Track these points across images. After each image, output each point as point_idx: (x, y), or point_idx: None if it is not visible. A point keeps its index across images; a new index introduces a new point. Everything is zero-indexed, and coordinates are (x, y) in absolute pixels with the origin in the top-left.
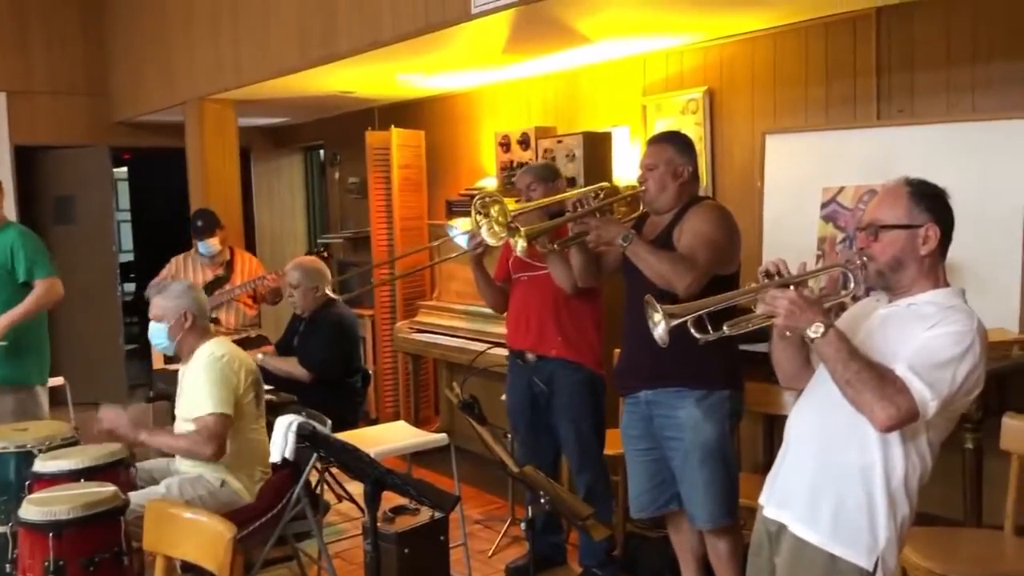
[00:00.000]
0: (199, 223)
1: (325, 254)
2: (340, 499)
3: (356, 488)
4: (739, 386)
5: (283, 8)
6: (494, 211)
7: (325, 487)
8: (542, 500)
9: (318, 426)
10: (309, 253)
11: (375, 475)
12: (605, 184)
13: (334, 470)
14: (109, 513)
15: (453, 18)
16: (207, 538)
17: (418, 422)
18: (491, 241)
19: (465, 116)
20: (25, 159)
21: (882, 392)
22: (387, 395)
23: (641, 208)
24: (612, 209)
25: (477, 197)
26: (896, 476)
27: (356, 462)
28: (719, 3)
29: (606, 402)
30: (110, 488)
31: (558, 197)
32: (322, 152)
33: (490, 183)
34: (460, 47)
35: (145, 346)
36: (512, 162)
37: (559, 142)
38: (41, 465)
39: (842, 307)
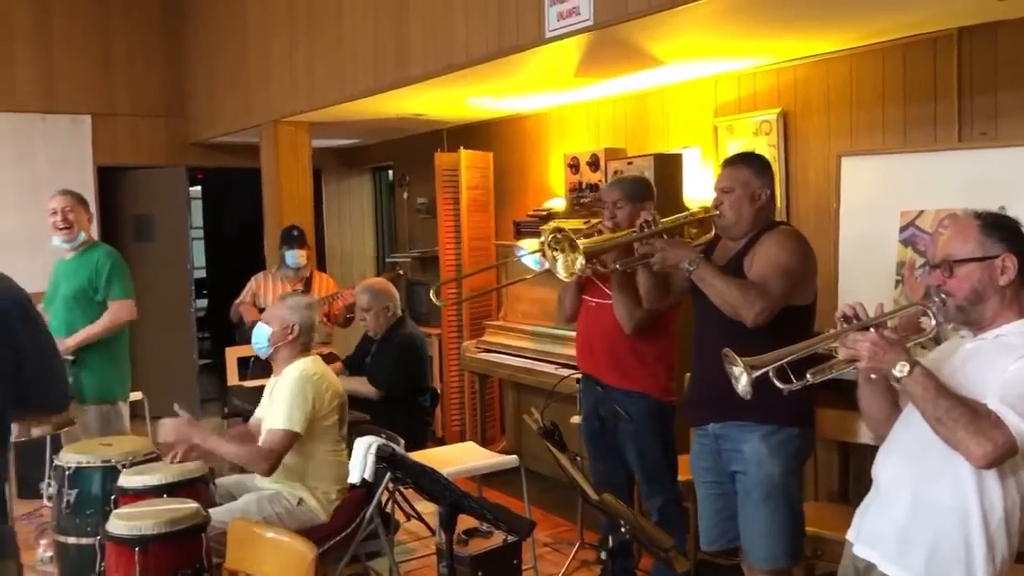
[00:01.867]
0: (294, 232)
1: (400, 272)
2: (409, 518)
3: (425, 507)
4: (809, 423)
5: (358, 32)
6: (566, 247)
7: (394, 506)
8: (622, 529)
9: (397, 448)
10: (383, 272)
11: (452, 498)
12: (694, 211)
13: (403, 488)
14: (192, 529)
15: (527, 42)
16: (289, 558)
17: (484, 441)
18: (564, 276)
19: (533, 137)
20: (106, 179)
21: (976, 428)
22: (453, 414)
23: (713, 231)
24: (681, 231)
25: (548, 234)
26: (995, 516)
27: (433, 485)
28: (793, 28)
29: (676, 427)
30: (193, 505)
31: (630, 238)
32: (391, 172)
33: (558, 204)
34: (532, 70)
35: (217, 361)
36: (581, 183)
37: (629, 163)
38: (126, 480)
39: (926, 345)
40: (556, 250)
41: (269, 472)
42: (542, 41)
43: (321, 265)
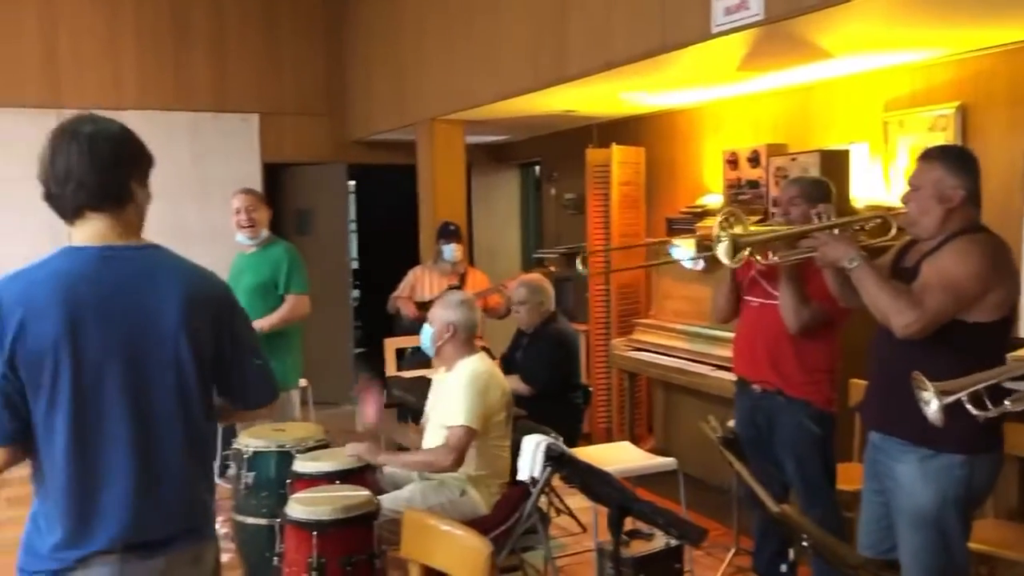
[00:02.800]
0: (451, 227)
1: (552, 269)
2: (559, 513)
3: (575, 503)
4: (986, 450)
5: (515, 31)
6: (738, 229)
7: (549, 502)
8: (804, 543)
9: (566, 448)
10: (533, 268)
11: (621, 500)
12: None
13: (555, 484)
14: (364, 517)
15: (691, 38)
16: (464, 552)
17: (632, 440)
18: (725, 260)
19: (687, 132)
20: (271, 175)
21: None
22: (600, 411)
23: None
24: (860, 228)
25: (724, 211)
26: None
27: (602, 486)
28: (976, 16)
29: (837, 438)
30: (365, 493)
31: (802, 228)
32: (538, 168)
33: (714, 200)
34: (692, 65)
35: (370, 350)
36: (740, 180)
37: (793, 160)
38: (301, 466)
39: None
40: (724, 230)
41: (455, 467)
42: (707, 36)
43: (469, 260)
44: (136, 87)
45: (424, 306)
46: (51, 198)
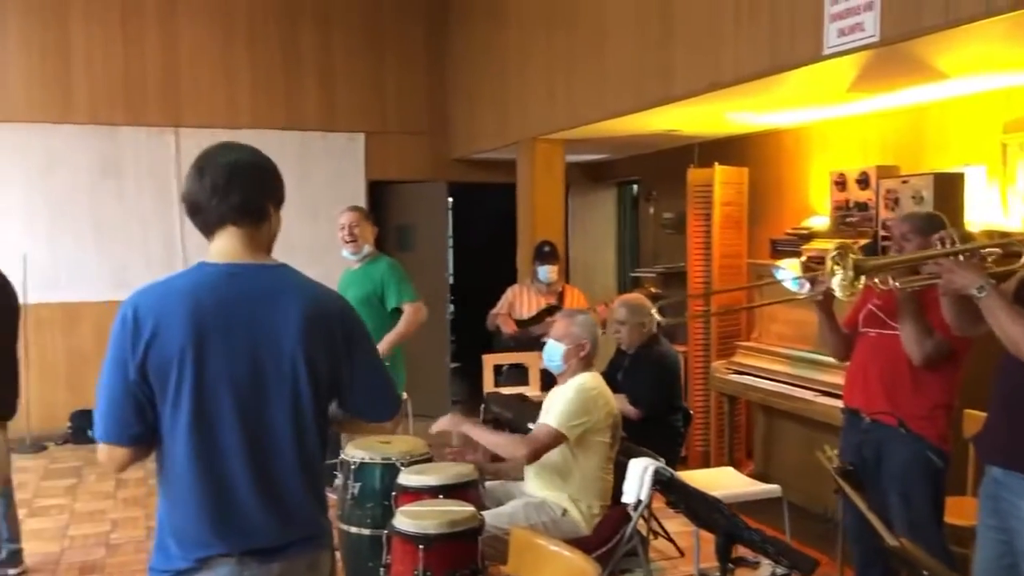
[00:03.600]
0: (546, 248)
1: (652, 289)
2: (655, 536)
3: (672, 527)
4: None
5: (620, 51)
6: (851, 262)
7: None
8: None
9: (674, 472)
10: (632, 288)
11: (730, 527)
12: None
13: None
14: (469, 532)
15: (802, 59)
16: (571, 573)
17: (731, 465)
18: (840, 294)
19: (793, 153)
20: (375, 192)
21: None
22: (696, 434)
23: None
24: (987, 254)
25: (836, 245)
26: None
27: (710, 512)
28: None
29: (950, 471)
30: (470, 508)
31: (927, 254)
32: (635, 187)
33: (819, 222)
34: (801, 86)
35: (465, 365)
36: (848, 202)
37: (904, 182)
38: (406, 479)
39: None
40: (837, 264)
41: (529, 459)
42: (819, 58)
43: (565, 278)
44: (250, 109)
45: (523, 324)
46: (197, 213)
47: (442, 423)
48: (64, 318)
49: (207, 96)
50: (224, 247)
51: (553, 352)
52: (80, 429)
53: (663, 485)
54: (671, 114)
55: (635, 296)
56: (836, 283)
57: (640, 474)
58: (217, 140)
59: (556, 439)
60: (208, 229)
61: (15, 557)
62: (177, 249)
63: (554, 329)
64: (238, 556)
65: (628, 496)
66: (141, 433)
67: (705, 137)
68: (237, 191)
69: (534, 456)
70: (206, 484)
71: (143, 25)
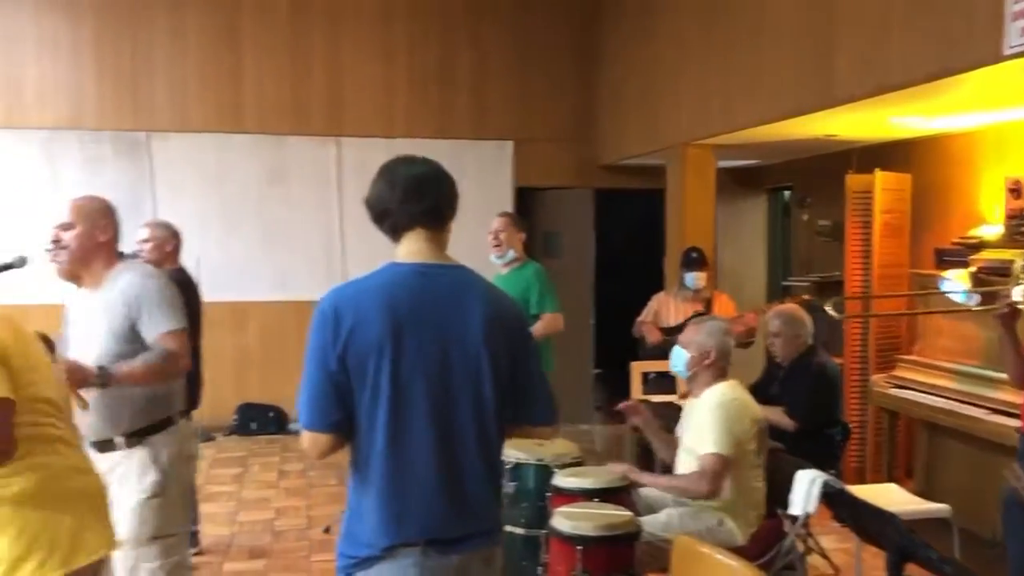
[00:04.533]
0: (694, 254)
1: (807, 298)
2: (810, 551)
3: (827, 543)
4: None
5: (779, 54)
6: None
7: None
8: None
9: (844, 486)
10: (788, 298)
11: (905, 544)
12: None
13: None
14: (627, 536)
15: (979, 60)
16: None
17: (890, 481)
18: None
19: (962, 158)
20: (523, 199)
21: None
22: (853, 449)
23: None
24: None
25: (1021, 260)
26: None
27: (882, 527)
28: None
29: None
30: (628, 513)
31: None
32: (787, 193)
33: (991, 232)
34: (978, 89)
35: (606, 372)
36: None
37: None
38: (561, 481)
39: None
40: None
41: (711, 495)
42: (1000, 59)
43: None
44: (404, 118)
45: (669, 332)
46: (385, 217)
47: (621, 469)
48: (232, 317)
49: (366, 107)
50: (413, 248)
51: (677, 358)
52: (245, 422)
53: (831, 498)
54: (832, 119)
55: (790, 307)
56: (1020, 294)
57: (807, 486)
58: (374, 149)
59: (726, 464)
60: (396, 232)
61: (193, 538)
62: (336, 252)
63: (683, 334)
64: (422, 545)
65: (794, 508)
66: (340, 421)
67: (864, 142)
68: (426, 197)
69: (716, 489)
70: (396, 472)
71: (310, 45)
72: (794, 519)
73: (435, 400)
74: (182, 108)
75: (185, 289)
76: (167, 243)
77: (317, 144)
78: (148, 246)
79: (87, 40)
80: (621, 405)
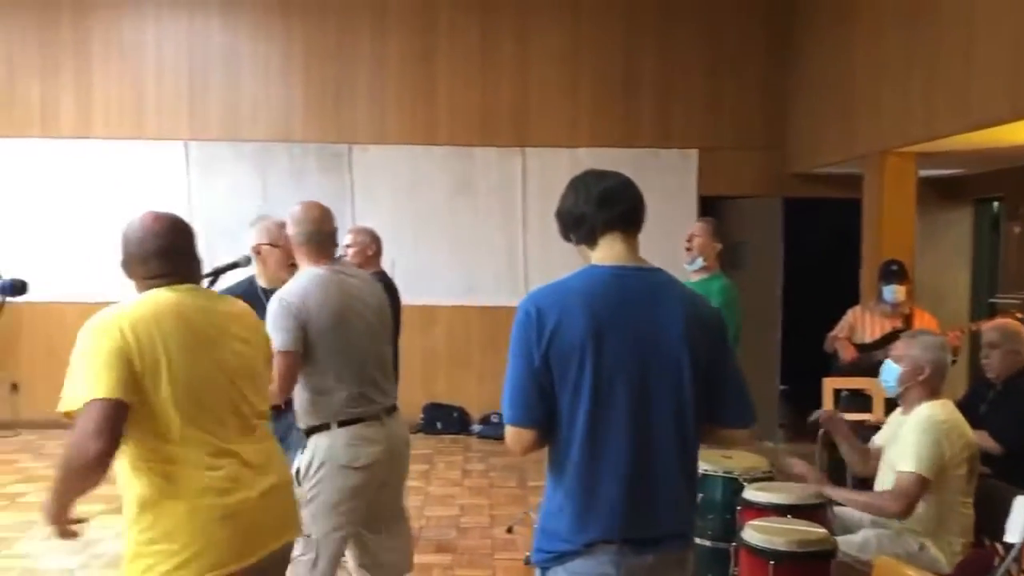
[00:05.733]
0: (893, 267)
1: (1021, 316)
2: None
3: None
4: None
5: (991, 56)
6: None
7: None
8: None
9: None
10: (990, 316)
11: None
12: None
13: None
14: (821, 554)
15: None
16: None
17: None
18: None
19: None
20: (706, 208)
21: None
22: None
23: None
24: None
25: None
26: None
27: None
28: None
29: None
30: (823, 531)
31: None
32: (996, 204)
33: None
34: None
35: (791, 387)
36: None
37: None
38: (751, 495)
39: None
40: None
41: (902, 514)
42: None
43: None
44: (589, 128)
45: (864, 348)
46: (581, 223)
47: (800, 467)
48: (421, 319)
49: (550, 117)
50: (609, 252)
51: (889, 373)
52: (431, 420)
53: None
54: None
55: (1010, 321)
56: None
57: None
58: (558, 159)
59: (923, 485)
60: (592, 237)
61: None
62: (519, 260)
63: (894, 347)
64: (619, 544)
65: (1012, 535)
66: (542, 417)
67: None
68: (620, 202)
69: (909, 510)
70: (593, 469)
71: (499, 61)
72: (1008, 547)
73: (634, 399)
74: (380, 122)
75: (387, 291)
76: (369, 247)
77: (503, 155)
78: (351, 251)
79: (297, 62)
80: (817, 413)
